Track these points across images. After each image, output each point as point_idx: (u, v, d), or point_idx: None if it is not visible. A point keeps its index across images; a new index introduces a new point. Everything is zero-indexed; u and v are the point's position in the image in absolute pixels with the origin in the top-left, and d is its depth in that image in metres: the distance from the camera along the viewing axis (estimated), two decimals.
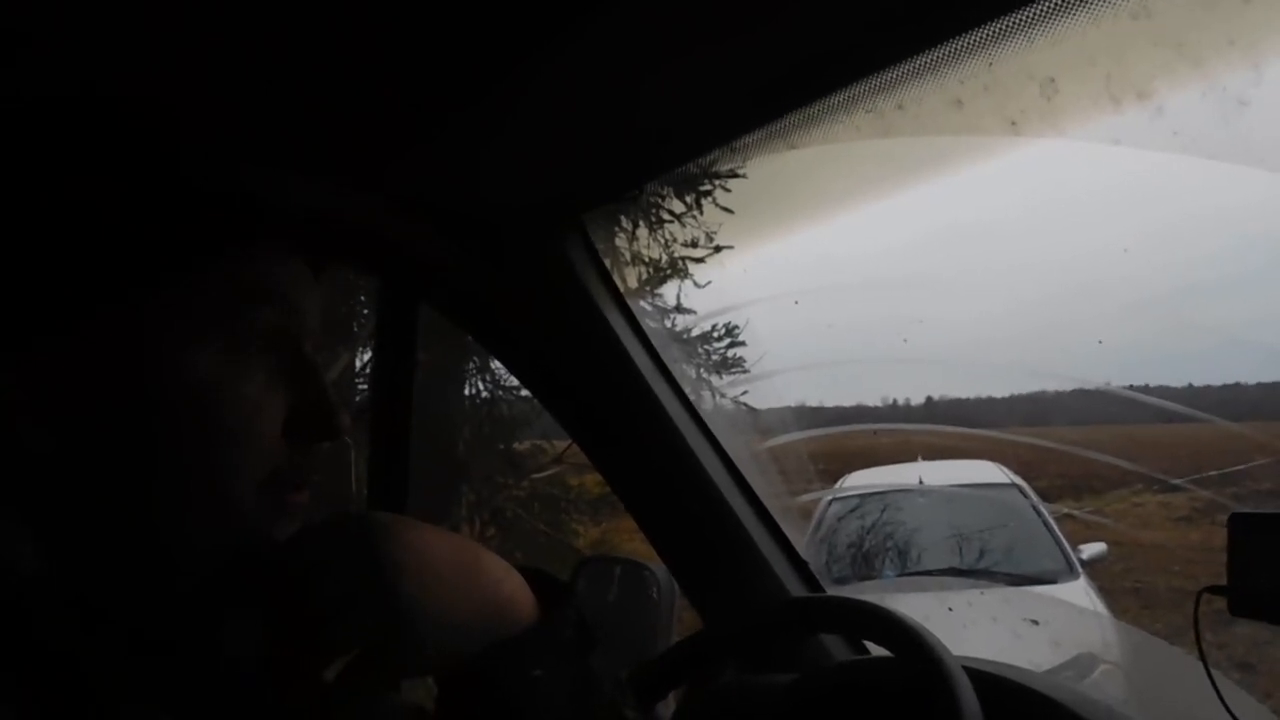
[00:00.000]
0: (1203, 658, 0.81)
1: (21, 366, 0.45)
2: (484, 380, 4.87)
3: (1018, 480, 4.53)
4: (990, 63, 0.64)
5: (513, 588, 0.54)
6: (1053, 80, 0.66)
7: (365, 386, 4.57)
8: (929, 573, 3.96)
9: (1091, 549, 4.08)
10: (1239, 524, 0.76)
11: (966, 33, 0.62)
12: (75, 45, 0.59)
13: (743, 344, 4.49)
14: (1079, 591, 3.56)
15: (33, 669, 0.42)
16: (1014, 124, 0.71)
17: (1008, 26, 0.62)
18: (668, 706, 0.96)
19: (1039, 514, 4.18)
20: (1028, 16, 0.60)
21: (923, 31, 0.63)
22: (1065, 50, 0.61)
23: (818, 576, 1.10)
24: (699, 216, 4.00)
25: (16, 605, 0.44)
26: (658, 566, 1.08)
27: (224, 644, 0.52)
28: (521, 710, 0.50)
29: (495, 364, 4.72)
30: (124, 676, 0.45)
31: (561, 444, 4.71)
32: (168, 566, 0.47)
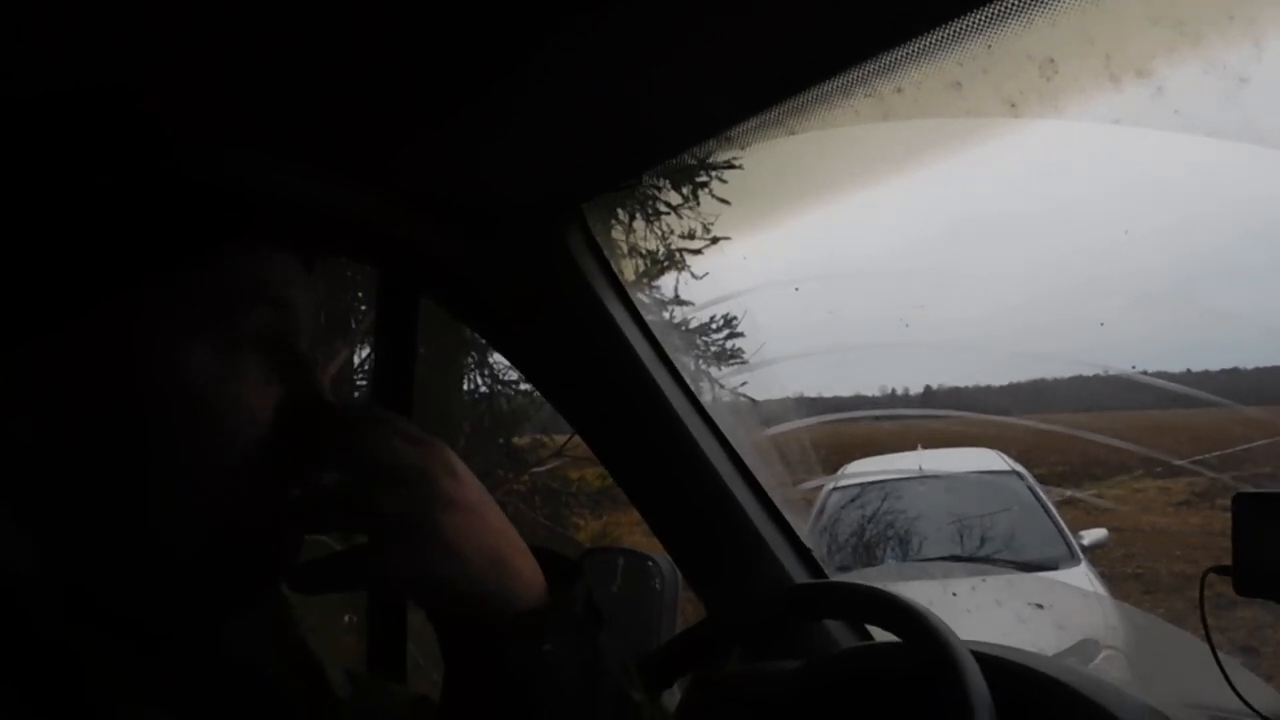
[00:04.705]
0: (1208, 638, 0.81)
1: (13, 362, 0.45)
2: (483, 375, 4.87)
3: (1018, 467, 4.54)
4: (989, 44, 0.64)
5: (531, 564, 0.54)
6: (1052, 61, 0.66)
7: (365, 382, 4.56)
8: (930, 560, 3.97)
9: (1093, 534, 4.09)
10: (1243, 504, 0.76)
11: (965, 14, 0.62)
12: (70, 38, 0.59)
13: (741, 335, 4.49)
14: (1080, 577, 3.57)
15: (29, 665, 0.42)
16: (1013, 106, 0.70)
17: (1006, 7, 0.61)
18: (673, 695, 0.96)
19: (1039, 500, 4.19)
20: None
21: (921, 14, 0.62)
22: (1064, 30, 0.61)
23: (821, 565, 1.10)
24: (696, 208, 4.00)
25: (11, 601, 0.43)
26: (661, 557, 1.08)
27: (223, 641, 0.52)
28: (530, 684, 0.50)
29: (494, 358, 4.72)
30: (121, 673, 0.45)
31: (561, 438, 4.71)
32: (163, 565, 0.47)
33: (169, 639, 0.48)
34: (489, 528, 0.51)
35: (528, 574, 0.53)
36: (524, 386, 4.62)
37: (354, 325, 4.56)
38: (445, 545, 0.48)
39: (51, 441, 0.45)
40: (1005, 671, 0.74)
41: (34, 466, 0.45)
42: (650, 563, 1.07)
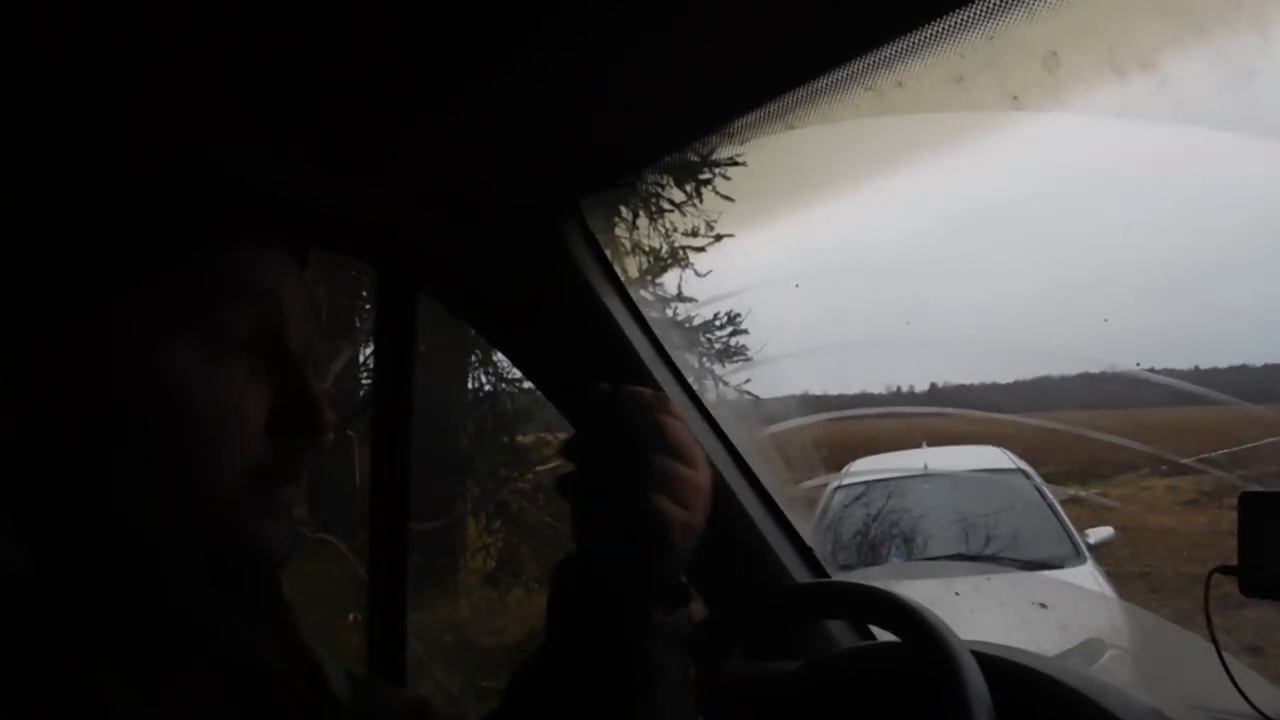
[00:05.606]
0: (1213, 639, 0.80)
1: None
2: (486, 373, 4.87)
3: (1023, 465, 4.51)
4: (991, 36, 0.63)
5: None
6: (1055, 53, 0.65)
7: (369, 379, 4.57)
8: (935, 558, 3.96)
9: (1099, 533, 4.07)
10: (1249, 503, 0.76)
11: (966, 6, 0.61)
12: (58, 32, 0.58)
13: (745, 332, 4.48)
14: (1086, 576, 3.55)
15: (29, 665, 0.42)
16: (1016, 99, 0.69)
17: None
18: None
19: (1045, 498, 4.17)
20: None
21: (921, 6, 0.62)
22: (1067, 22, 0.60)
23: (824, 564, 1.09)
24: (699, 205, 4.00)
25: (10, 601, 0.43)
26: None
27: (223, 641, 0.51)
28: (641, 691, 0.54)
29: (497, 356, 4.72)
30: (121, 673, 0.45)
31: (565, 436, 4.70)
32: (154, 564, 0.47)
33: (163, 640, 0.48)
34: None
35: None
36: (527, 385, 4.62)
37: (358, 324, 4.57)
38: (678, 523, 0.55)
39: (40, 440, 0.45)
40: (1005, 672, 0.73)
41: (25, 466, 0.45)
42: None
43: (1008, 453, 4.68)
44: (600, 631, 0.55)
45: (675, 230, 4.09)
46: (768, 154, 0.88)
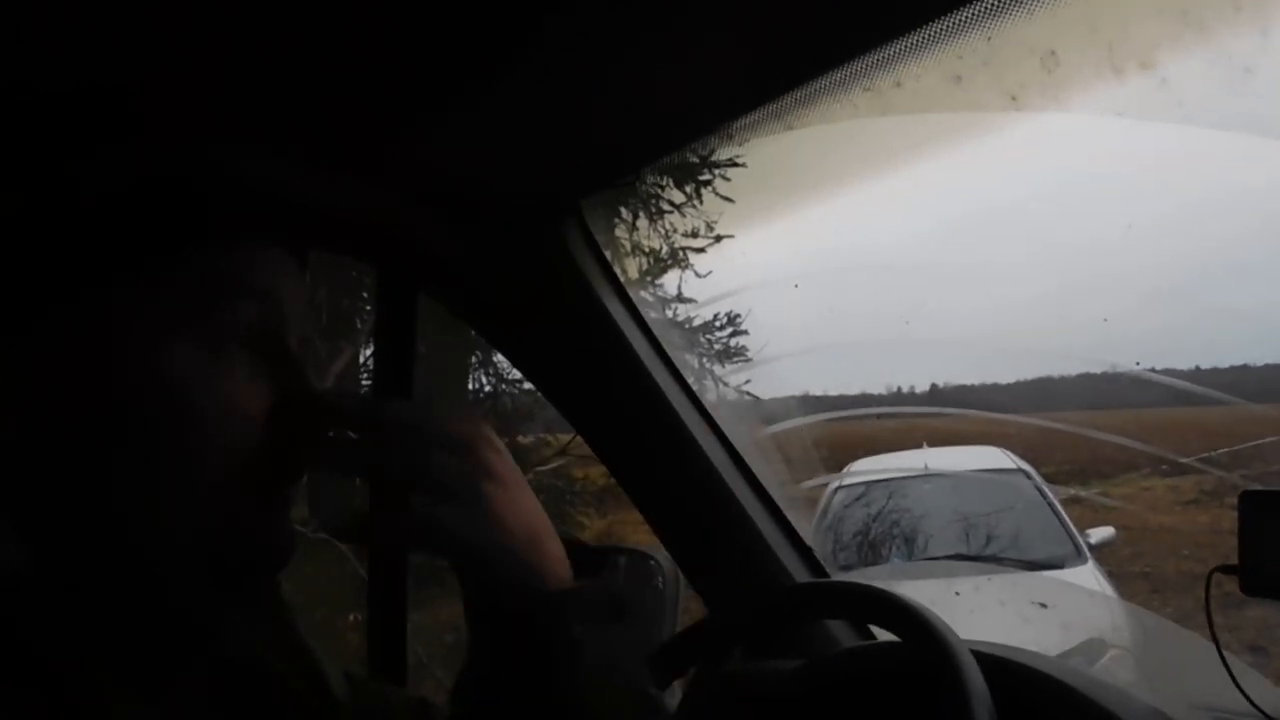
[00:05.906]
0: (1214, 639, 0.80)
1: None
2: (486, 373, 4.88)
3: (1024, 465, 4.51)
4: (989, 36, 0.63)
5: (560, 548, 0.56)
6: (1054, 53, 0.65)
7: (368, 380, 4.57)
8: (935, 559, 3.96)
9: (1100, 533, 4.07)
10: (1250, 502, 0.76)
11: (964, 6, 0.61)
12: (58, 32, 0.58)
13: (745, 332, 4.49)
14: (1087, 576, 3.55)
15: (29, 665, 0.42)
16: (1015, 99, 0.69)
17: None
18: (673, 694, 0.95)
19: (1046, 498, 4.17)
20: None
21: (919, 6, 0.62)
22: (1066, 20, 0.60)
23: (825, 563, 1.09)
24: (699, 206, 4.00)
25: (9, 602, 0.43)
26: (663, 556, 1.07)
27: (223, 641, 0.51)
28: (556, 665, 0.51)
29: (498, 357, 4.72)
30: (116, 677, 0.45)
31: (566, 437, 4.71)
32: (154, 564, 0.47)
33: (163, 639, 0.48)
34: (527, 505, 0.53)
35: (558, 556, 0.54)
36: (527, 385, 4.63)
37: (358, 324, 4.57)
38: (491, 513, 0.50)
39: (40, 440, 0.45)
40: (1006, 671, 0.73)
41: (25, 466, 0.45)
42: (653, 561, 1.06)
43: (1008, 453, 4.68)
44: (505, 618, 0.52)
45: (675, 231, 4.10)
46: (767, 155, 0.88)
